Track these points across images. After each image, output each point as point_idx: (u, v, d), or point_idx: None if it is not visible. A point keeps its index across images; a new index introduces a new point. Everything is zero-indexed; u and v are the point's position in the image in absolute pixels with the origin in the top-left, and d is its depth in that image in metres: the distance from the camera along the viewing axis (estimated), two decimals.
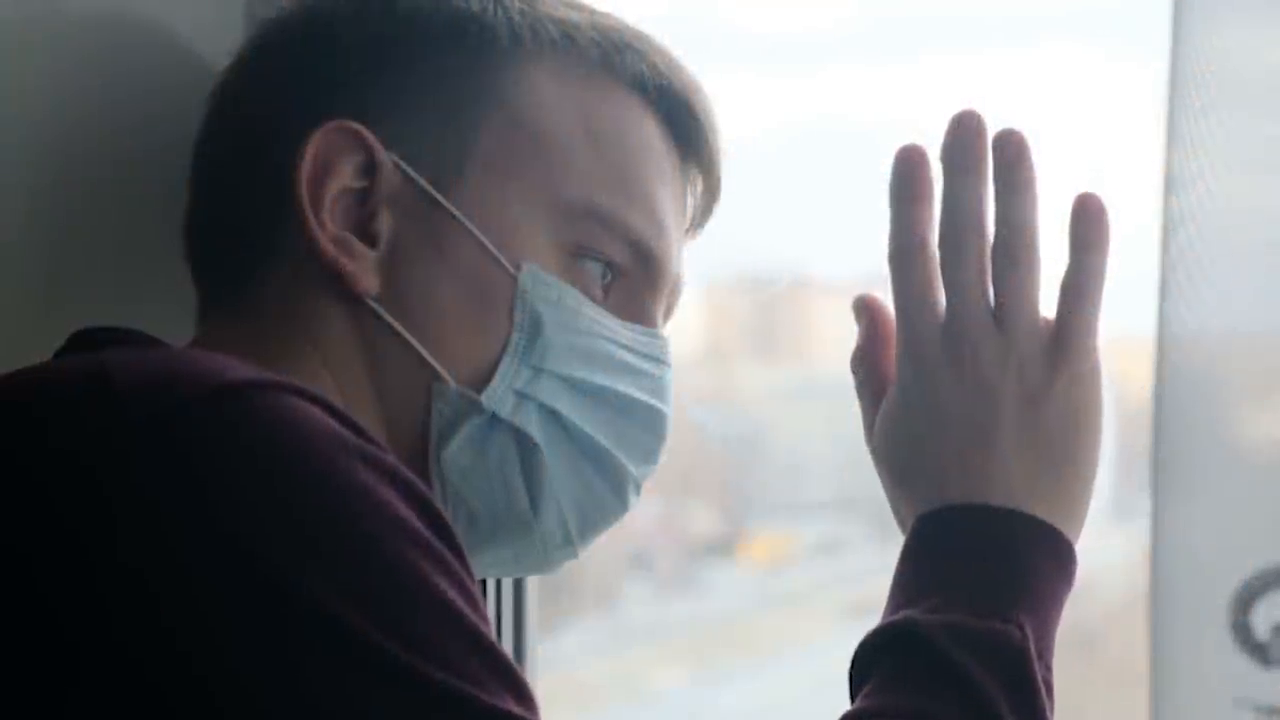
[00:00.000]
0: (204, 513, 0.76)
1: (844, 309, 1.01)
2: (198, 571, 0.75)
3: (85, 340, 0.95)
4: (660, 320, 1.04)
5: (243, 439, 0.77)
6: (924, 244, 0.98)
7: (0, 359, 0.88)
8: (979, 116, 0.99)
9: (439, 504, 0.81)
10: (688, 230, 1.07)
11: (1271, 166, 1.11)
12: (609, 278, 1.01)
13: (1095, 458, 0.97)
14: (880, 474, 1.00)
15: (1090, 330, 0.97)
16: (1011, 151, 0.98)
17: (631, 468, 1.02)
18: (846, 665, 0.98)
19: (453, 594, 0.78)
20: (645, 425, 1.02)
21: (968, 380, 0.96)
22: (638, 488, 1.03)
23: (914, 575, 0.95)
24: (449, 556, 0.79)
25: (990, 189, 0.98)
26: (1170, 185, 1.10)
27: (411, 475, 0.81)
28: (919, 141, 0.99)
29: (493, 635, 0.79)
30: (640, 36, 1.04)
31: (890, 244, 0.99)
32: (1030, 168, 0.98)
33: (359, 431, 0.81)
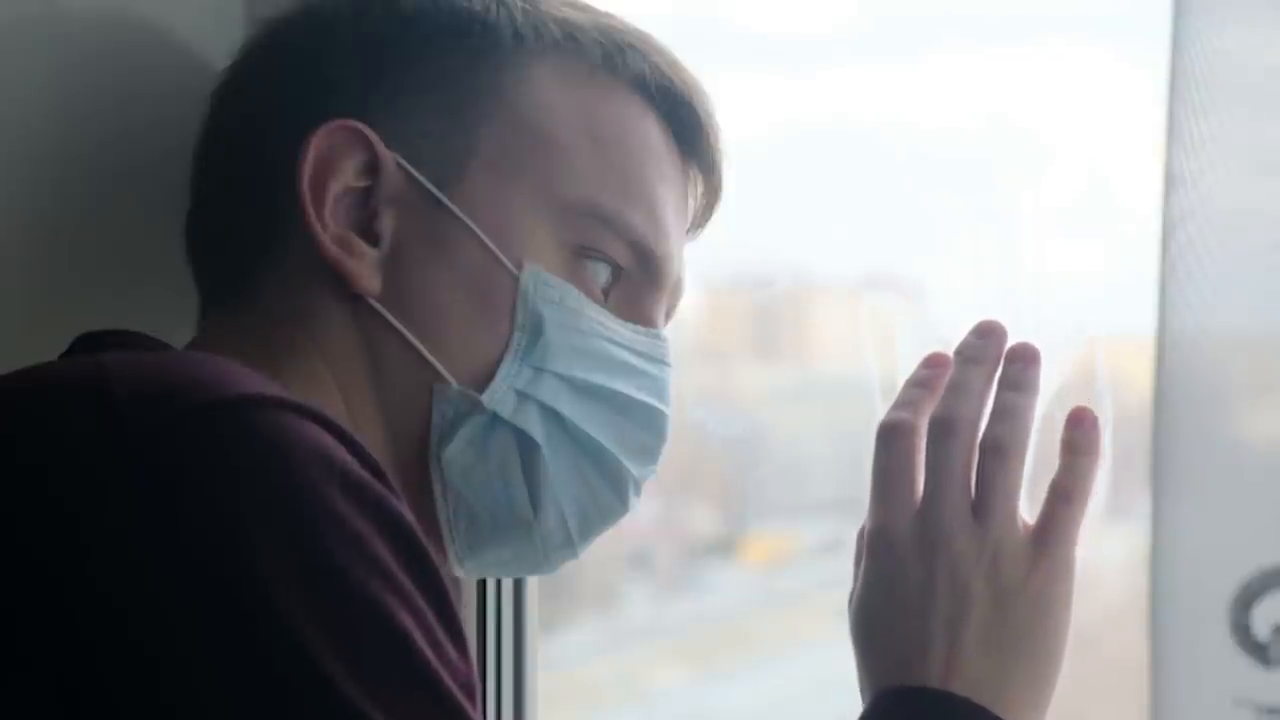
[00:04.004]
0: (179, 531, 0.76)
1: (844, 309, 1.01)
2: (167, 588, 0.75)
3: (89, 344, 0.95)
4: (661, 321, 1.04)
5: (231, 458, 0.77)
6: (915, 428, 0.98)
7: (0, 359, 0.88)
8: (1003, 327, 1.00)
9: (422, 537, 0.80)
10: (689, 231, 1.07)
11: (1272, 166, 1.11)
12: (610, 278, 1.02)
13: (1061, 655, 0.96)
14: (852, 642, 0.99)
15: (1071, 534, 0.97)
16: (1027, 355, 0.99)
17: (632, 468, 1.02)
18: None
19: (415, 635, 0.77)
20: (645, 425, 1.02)
21: (939, 569, 0.95)
22: (638, 488, 1.03)
23: None
24: (418, 597, 0.78)
25: (993, 389, 0.99)
26: (1170, 185, 1.10)
27: (399, 506, 0.80)
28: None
29: (451, 681, 0.78)
30: (642, 37, 1.04)
31: (883, 417, 0.99)
32: (1037, 378, 0.99)
33: (356, 450, 0.80)
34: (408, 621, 0.77)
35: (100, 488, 0.76)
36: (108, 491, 0.76)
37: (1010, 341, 1.00)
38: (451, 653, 0.79)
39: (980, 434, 0.97)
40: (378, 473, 0.81)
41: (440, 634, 0.79)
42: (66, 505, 0.76)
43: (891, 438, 0.98)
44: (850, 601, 0.99)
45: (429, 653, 0.78)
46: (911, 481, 0.98)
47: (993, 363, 0.99)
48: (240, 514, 0.76)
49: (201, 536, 0.76)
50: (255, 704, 0.74)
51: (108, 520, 0.76)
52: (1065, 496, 0.97)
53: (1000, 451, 0.96)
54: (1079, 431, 0.98)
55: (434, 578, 0.80)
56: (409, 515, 0.80)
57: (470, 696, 0.79)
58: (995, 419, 0.98)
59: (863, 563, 0.98)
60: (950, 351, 1.01)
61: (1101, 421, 0.99)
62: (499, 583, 1.31)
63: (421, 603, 0.78)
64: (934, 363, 1.00)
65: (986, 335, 1.00)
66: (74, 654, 0.74)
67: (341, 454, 0.79)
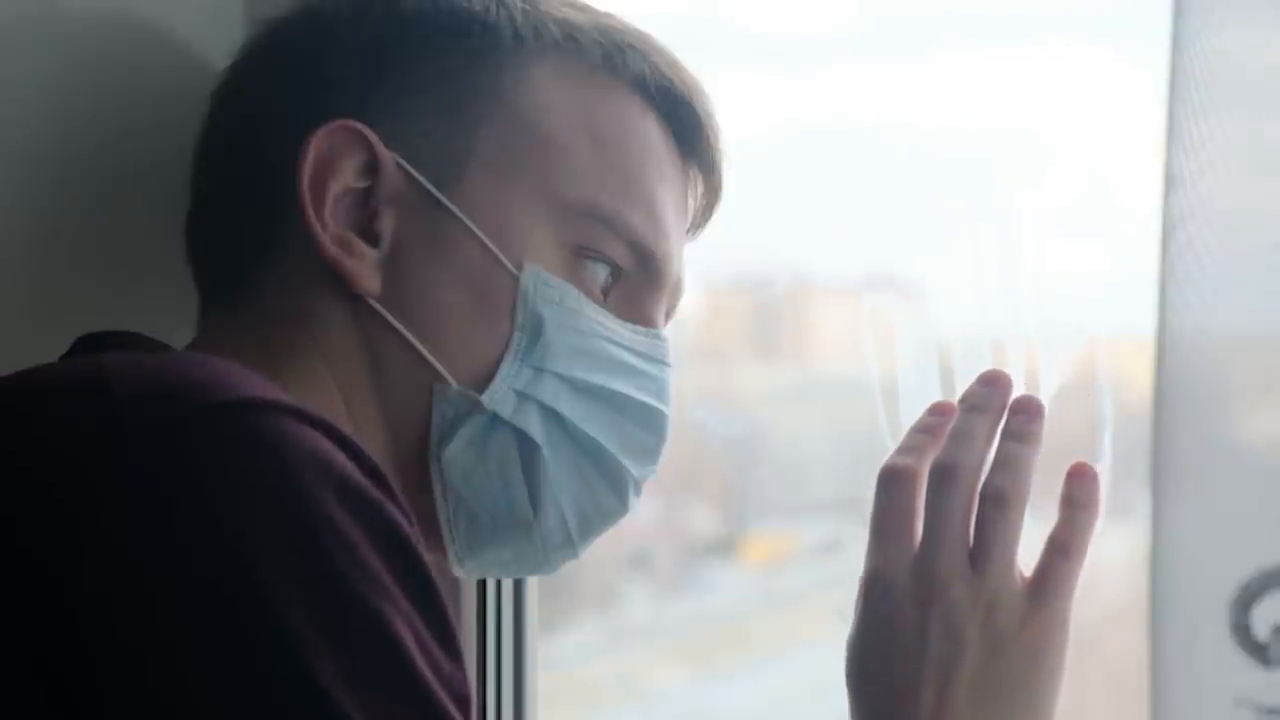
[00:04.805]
0: (177, 532, 0.76)
1: (844, 309, 1.01)
2: (163, 589, 0.75)
3: (90, 345, 0.95)
4: (661, 321, 1.04)
5: (229, 461, 0.77)
6: (916, 473, 0.99)
7: (1, 360, 0.88)
8: (1008, 376, 1.01)
9: (418, 546, 0.80)
10: (689, 231, 1.07)
11: (1272, 166, 1.10)
12: (610, 278, 1.02)
13: (1053, 706, 0.96)
14: (846, 684, 0.99)
15: (1068, 587, 0.97)
16: (1032, 409, 1.00)
17: (632, 468, 1.02)
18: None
19: (409, 644, 0.77)
20: (645, 425, 1.02)
21: (934, 616, 0.95)
22: (638, 488, 1.04)
23: None
24: (411, 607, 0.78)
25: (996, 439, 0.99)
26: (1170, 185, 1.10)
27: (395, 514, 0.80)
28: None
29: (444, 691, 0.78)
30: (641, 37, 1.04)
31: (886, 461, 1.00)
32: (1040, 431, 0.99)
33: (356, 455, 0.80)
34: (401, 631, 0.77)
35: (98, 489, 0.76)
36: (105, 492, 0.76)
37: (1014, 361, 1.01)
38: (445, 663, 0.79)
39: (981, 483, 0.98)
40: (377, 476, 0.80)
41: (433, 644, 0.79)
42: (65, 507, 0.76)
43: (892, 482, 0.99)
44: (847, 643, 0.99)
45: (421, 663, 0.77)
46: (911, 526, 0.98)
47: (997, 412, 0.99)
48: (239, 517, 0.76)
49: (199, 538, 0.76)
50: (248, 706, 0.74)
51: (104, 521, 0.76)
52: (1063, 550, 0.97)
53: (1001, 501, 0.97)
54: (1079, 485, 0.99)
55: (428, 588, 0.80)
56: (406, 523, 0.80)
57: (464, 707, 0.79)
58: (997, 468, 0.98)
59: (859, 604, 0.98)
60: (950, 355, 1.01)
61: (1102, 426, 0.99)
62: (499, 583, 1.31)
63: (414, 613, 0.78)
64: (939, 410, 1.01)
65: (992, 384, 1.00)
66: (71, 655, 0.74)
67: (339, 460, 0.79)
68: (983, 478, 0.98)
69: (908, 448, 1.00)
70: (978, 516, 0.97)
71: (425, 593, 0.79)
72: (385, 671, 0.76)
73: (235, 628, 0.74)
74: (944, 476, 0.97)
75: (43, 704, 0.74)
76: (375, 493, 0.79)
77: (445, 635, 0.80)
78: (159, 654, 0.74)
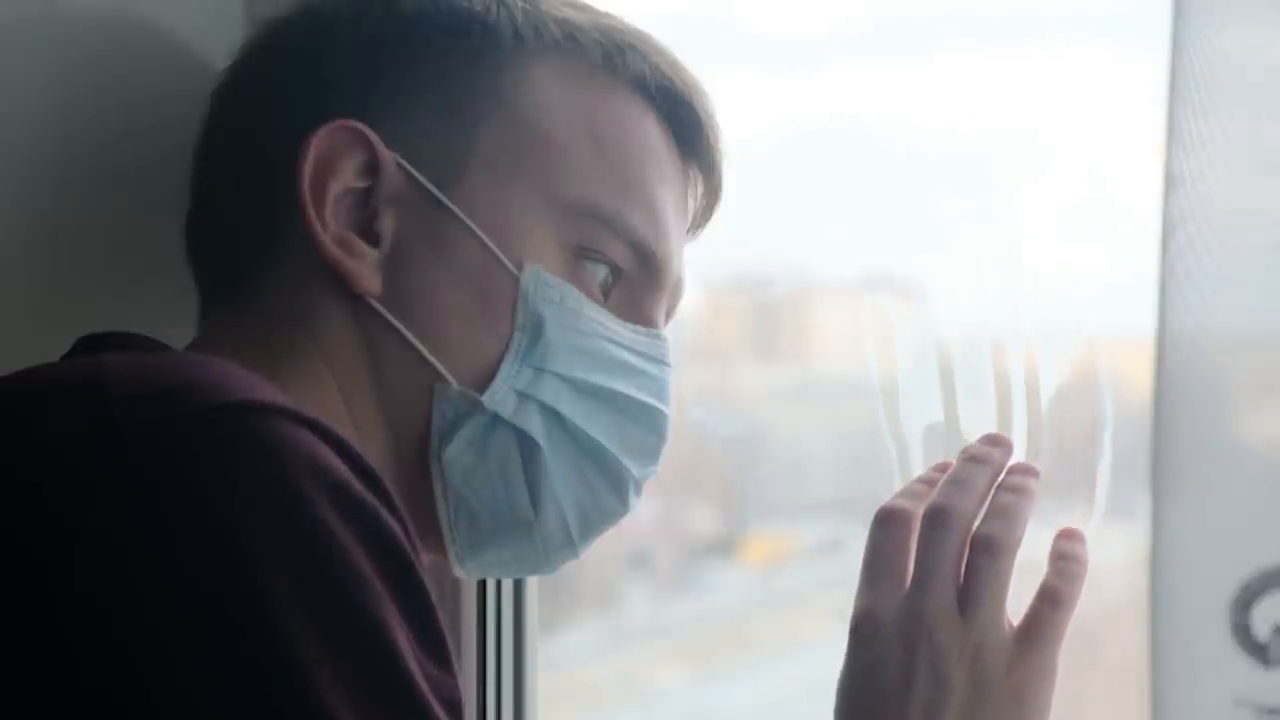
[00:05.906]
0: (172, 533, 0.76)
1: (844, 309, 1.01)
2: (156, 589, 0.75)
3: (90, 345, 0.95)
4: (661, 321, 1.04)
5: (227, 464, 0.77)
6: (912, 515, 0.99)
7: (1, 360, 0.88)
8: (1010, 441, 1.02)
9: (411, 553, 0.80)
10: (689, 231, 1.07)
11: (1272, 166, 1.10)
12: (610, 278, 1.02)
13: None
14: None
15: (1056, 635, 0.97)
16: (1030, 469, 1.00)
17: (632, 468, 1.02)
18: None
19: (402, 650, 0.77)
20: (646, 425, 1.02)
21: (920, 659, 0.96)
22: (638, 488, 1.04)
23: None
24: (399, 614, 0.78)
25: (990, 492, 1.00)
26: (1170, 185, 1.10)
27: (389, 521, 0.79)
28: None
29: (434, 697, 0.78)
30: (642, 37, 1.04)
31: (883, 504, 1.00)
32: (1035, 488, 1.00)
33: (353, 459, 0.80)
34: (395, 637, 0.77)
35: (95, 489, 0.76)
36: (103, 493, 0.76)
37: (1014, 361, 1.01)
38: (434, 669, 0.79)
39: (973, 530, 0.98)
40: (374, 481, 0.80)
41: (422, 651, 0.79)
42: (63, 507, 0.76)
43: (888, 523, 0.99)
44: (837, 682, 0.99)
45: (415, 669, 0.77)
46: (903, 567, 0.99)
47: (996, 467, 1.00)
48: (236, 519, 0.76)
49: (196, 540, 0.75)
50: (244, 709, 0.74)
51: (101, 522, 0.75)
52: (1053, 599, 0.98)
53: (992, 548, 0.97)
54: (1069, 542, 1.00)
55: (419, 594, 0.80)
56: (400, 530, 0.80)
57: (454, 713, 0.79)
58: (990, 516, 0.99)
59: (849, 643, 0.99)
60: (950, 355, 1.01)
61: (1102, 426, 0.99)
62: (499, 583, 1.31)
63: (404, 619, 0.78)
64: (943, 467, 1.02)
65: (994, 443, 1.02)
66: (67, 656, 0.74)
67: (335, 464, 0.79)
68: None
69: (907, 493, 1.01)
70: (968, 563, 0.98)
71: (416, 599, 0.79)
72: (379, 677, 0.76)
73: (231, 631, 0.74)
74: (936, 520, 0.98)
75: (40, 705, 0.74)
76: (370, 498, 0.79)
77: (435, 642, 0.80)
78: (154, 656, 0.74)
